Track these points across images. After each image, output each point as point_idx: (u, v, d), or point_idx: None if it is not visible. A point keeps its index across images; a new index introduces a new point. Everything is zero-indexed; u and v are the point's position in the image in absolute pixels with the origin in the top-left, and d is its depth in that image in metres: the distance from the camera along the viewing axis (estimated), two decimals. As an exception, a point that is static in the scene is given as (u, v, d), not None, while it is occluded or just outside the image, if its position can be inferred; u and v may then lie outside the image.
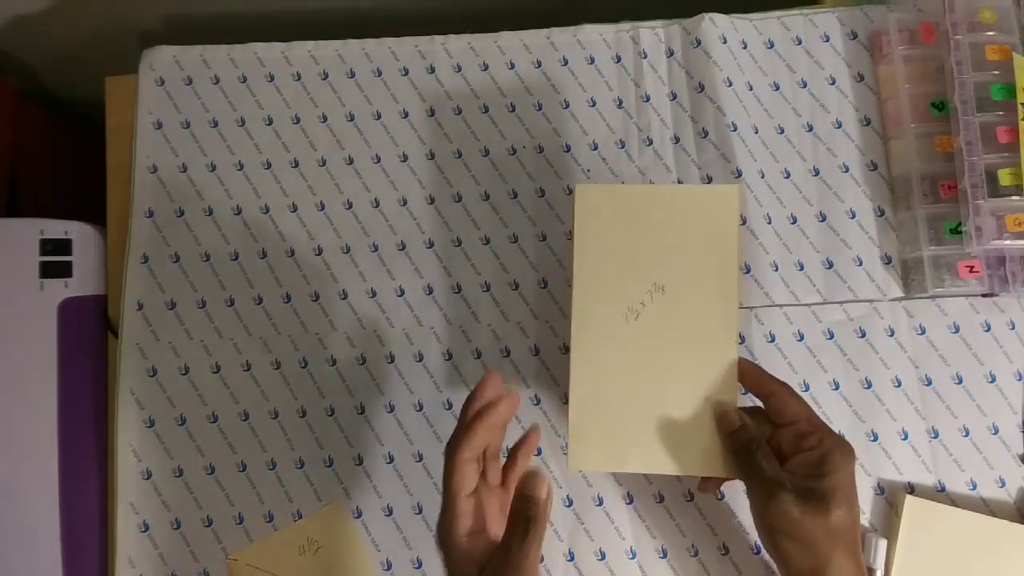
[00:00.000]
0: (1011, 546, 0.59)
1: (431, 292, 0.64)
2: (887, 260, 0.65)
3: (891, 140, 0.67)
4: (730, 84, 0.67)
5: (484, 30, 0.69)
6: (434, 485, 0.61)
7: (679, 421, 0.51)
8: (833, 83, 0.68)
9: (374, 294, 0.64)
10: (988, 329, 0.63)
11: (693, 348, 0.52)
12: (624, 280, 0.52)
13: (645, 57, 0.69)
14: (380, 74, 0.69)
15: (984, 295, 0.64)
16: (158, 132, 0.67)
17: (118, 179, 0.67)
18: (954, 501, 0.61)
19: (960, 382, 0.63)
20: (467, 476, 0.48)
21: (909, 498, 0.59)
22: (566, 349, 0.62)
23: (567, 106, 0.68)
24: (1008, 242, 0.59)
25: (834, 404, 0.62)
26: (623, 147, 0.67)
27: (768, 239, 0.64)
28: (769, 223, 0.65)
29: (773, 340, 0.63)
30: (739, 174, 0.65)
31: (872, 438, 0.62)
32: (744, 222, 0.64)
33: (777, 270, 0.64)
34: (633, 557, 0.60)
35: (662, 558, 0.60)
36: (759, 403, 0.52)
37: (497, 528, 0.49)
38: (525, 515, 0.45)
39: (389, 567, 0.60)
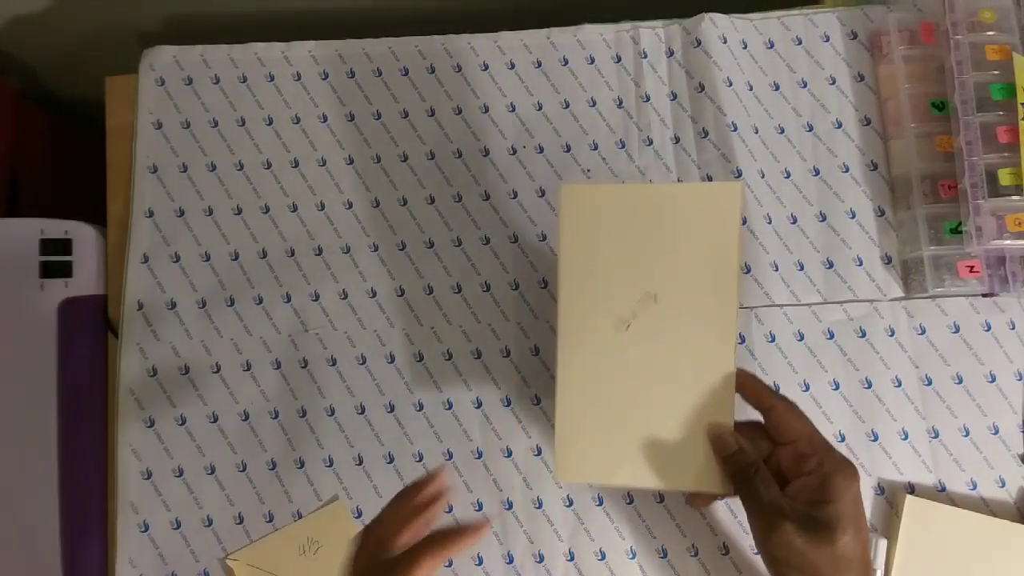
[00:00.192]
0: (1011, 546, 0.59)
1: (431, 292, 0.64)
2: (887, 260, 0.65)
3: (891, 140, 0.67)
4: (730, 84, 0.67)
5: (484, 30, 0.69)
6: (434, 485, 0.61)
7: (672, 435, 0.49)
8: (833, 83, 0.68)
9: (374, 294, 0.64)
10: (988, 329, 0.63)
11: (688, 361, 0.48)
12: (614, 288, 0.49)
13: (645, 57, 0.69)
14: (380, 74, 0.69)
15: (984, 295, 0.64)
16: (158, 132, 0.67)
17: (118, 179, 0.67)
18: (954, 501, 0.61)
19: (960, 382, 0.63)
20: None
21: (909, 498, 0.59)
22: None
23: (567, 106, 0.68)
24: (1008, 242, 0.59)
25: (834, 404, 0.62)
26: (623, 147, 0.67)
27: (768, 239, 0.64)
28: (769, 223, 0.65)
29: (773, 340, 0.63)
30: (739, 174, 0.65)
31: (872, 438, 0.62)
32: (744, 222, 0.64)
33: (777, 270, 0.64)
34: (633, 557, 0.60)
35: (662, 558, 0.60)
36: (758, 414, 0.50)
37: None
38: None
39: (389, 567, 0.60)
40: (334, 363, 0.63)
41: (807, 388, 0.62)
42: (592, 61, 0.69)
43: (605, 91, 0.68)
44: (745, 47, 0.69)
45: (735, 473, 0.47)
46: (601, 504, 0.61)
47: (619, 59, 0.69)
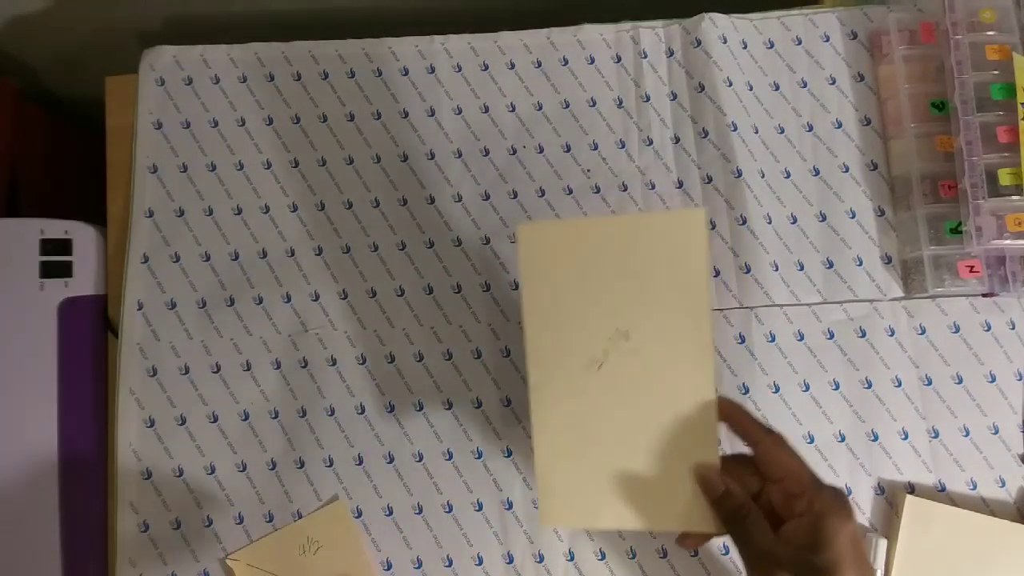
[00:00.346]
0: (1011, 546, 0.59)
1: (431, 292, 0.64)
2: (887, 260, 0.65)
3: (891, 140, 0.67)
4: (730, 84, 0.67)
5: (484, 30, 0.69)
6: (434, 485, 0.61)
7: (657, 474, 0.47)
8: (833, 83, 0.68)
9: (374, 294, 0.64)
10: (988, 329, 0.63)
11: (666, 397, 0.46)
12: (583, 327, 0.47)
13: (645, 57, 0.69)
14: (380, 74, 0.69)
15: (984, 295, 0.64)
16: (158, 132, 0.67)
17: (118, 179, 0.67)
18: (954, 501, 0.61)
19: (960, 382, 0.63)
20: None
21: (909, 498, 0.59)
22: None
23: (567, 106, 0.68)
24: (1008, 242, 0.59)
25: (834, 404, 0.62)
26: (623, 147, 0.67)
27: (768, 239, 0.64)
28: (769, 223, 0.65)
29: (773, 340, 0.63)
30: (739, 174, 0.65)
31: (872, 438, 0.62)
32: (744, 222, 0.64)
33: (777, 270, 0.64)
34: (633, 557, 0.60)
35: (662, 558, 0.60)
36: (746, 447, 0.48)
37: None
38: None
39: (389, 567, 0.60)
40: (334, 363, 0.63)
41: (807, 388, 0.63)
42: (592, 61, 0.69)
43: (605, 91, 0.68)
44: (745, 47, 0.69)
45: (725, 516, 0.45)
46: (601, 504, 0.61)
47: (619, 59, 0.69)
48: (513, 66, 0.69)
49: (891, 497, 0.61)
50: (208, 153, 0.67)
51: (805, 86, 0.68)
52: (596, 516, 0.48)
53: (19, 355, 0.62)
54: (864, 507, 0.61)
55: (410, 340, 0.64)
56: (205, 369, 0.63)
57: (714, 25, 0.68)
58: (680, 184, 0.66)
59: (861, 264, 0.65)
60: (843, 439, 0.62)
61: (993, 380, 0.63)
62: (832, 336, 0.63)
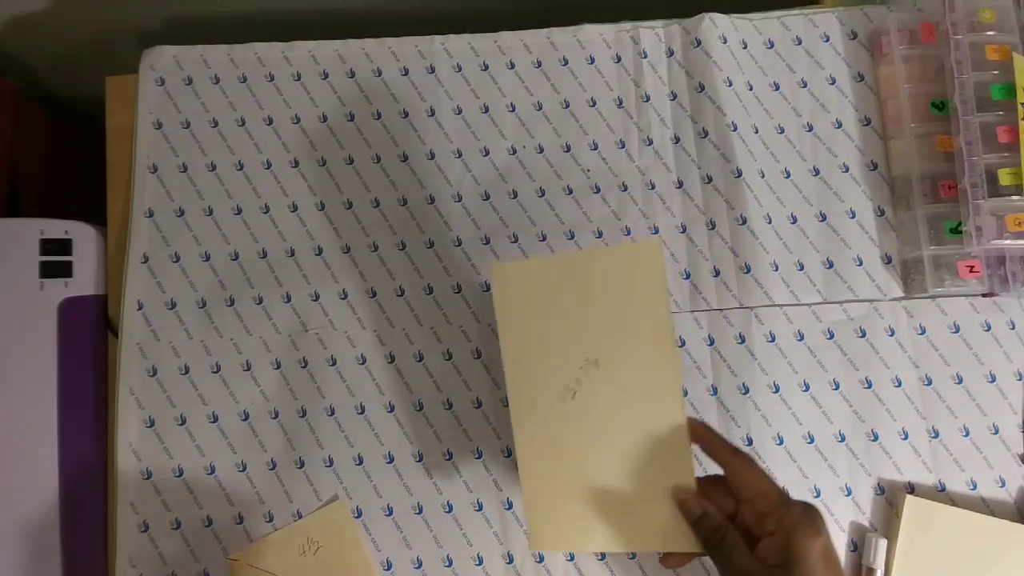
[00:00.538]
0: (1011, 546, 0.59)
1: (431, 292, 0.64)
2: (887, 260, 0.65)
3: (891, 140, 0.67)
4: (730, 84, 0.67)
5: (484, 30, 0.69)
6: (434, 485, 0.61)
7: (637, 498, 0.48)
8: (833, 83, 0.68)
9: (374, 294, 0.64)
10: (988, 329, 0.63)
11: (639, 423, 0.48)
12: (556, 358, 0.49)
13: (645, 57, 0.69)
14: (380, 74, 0.69)
15: (984, 295, 0.64)
16: (158, 132, 0.67)
17: (118, 179, 0.67)
18: (954, 501, 0.61)
19: (960, 382, 0.63)
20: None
21: (909, 498, 0.59)
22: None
23: (567, 106, 0.68)
24: (1008, 242, 0.59)
25: (834, 404, 0.62)
26: (623, 147, 0.67)
27: (768, 239, 0.64)
28: (769, 223, 0.65)
29: (773, 340, 0.63)
30: (739, 174, 0.65)
31: (872, 438, 0.62)
32: (744, 222, 0.64)
33: (777, 270, 0.64)
34: (633, 557, 0.60)
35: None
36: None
37: None
38: None
39: (389, 567, 0.60)
40: (334, 363, 0.63)
41: (807, 388, 0.63)
42: (592, 61, 0.69)
43: (605, 91, 0.68)
44: (745, 47, 0.69)
45: (704, 538, 0.46)
46: (601, 504, 0.61)
47: (619, 59, 0.69)
48: (513, 66, 0.69)
49: (891, 497, 0.61)
50: (208, 153, 0.67)
51: (805, 86, 0.68)
52: (583, 541, 0.50)
53: (19, 355, 0.62)
54: (864, 507, 0.61)
55: (410, 340, 0.64)
56: (205, 369, 0.63)
57: (714, 25, 0.68)
58: (680, 184, 0.66)
59: (861, 264, 0.65)
60: (843, 439, 0.62)
61: (993, 380, 0.63)
62: (832, 336, 0.63)
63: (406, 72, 0.69)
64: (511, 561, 0.60)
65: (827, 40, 0.69)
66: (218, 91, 0.68)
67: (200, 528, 0.60)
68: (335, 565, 0.59)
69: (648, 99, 0.68)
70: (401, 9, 0.80)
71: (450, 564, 0.60)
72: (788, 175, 0.66)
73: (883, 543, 0.58)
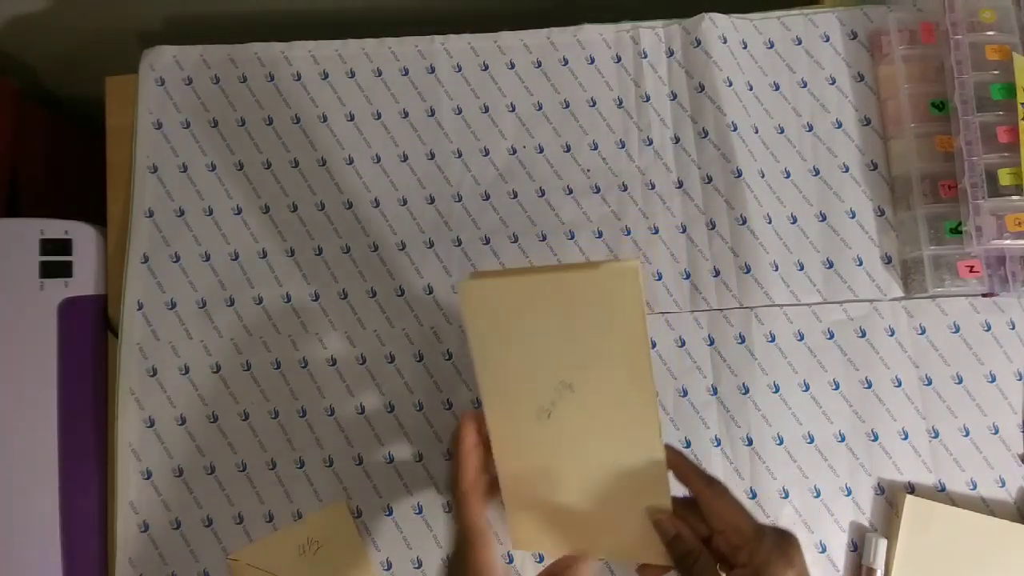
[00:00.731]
0: (1011, 546, 0.59)
1: (431, 292, 0.64)
2: (887, 260, 0.65)
3: (891, 140, 0.67)
4: (730, 84, 0.67)
5: (484, 30, 0.69)
6: (434, 485, 0.61)
7: (614, 512, 0.49)
8: (833, 83, 0.68)
9: (374, 294, 0.64)
10: (988, 329, 0.63)
11: (615, 445, 0.48)
12: (529, 379, 0.48)
13: (645, 57, 0.69)
14: (380, 74, 0.69)
15: (984, 295, 0.64)
16: (158, 132, 0.67)
17: (118, 179, 0.67)
18: (954, 501, 0.61)
19: (960, 382, 0.63)
20: (476, 506, 0.47)
21: (909, 498, 0.59)
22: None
23: (567, 106, 0.68)
24: (1008, 242, 0.59)
25: (834, 404, 0.62)
26: (623, 147, 0.67)
27: (768, 239, 0.64)
28: (769, 223, 0.65)
29: (773, 340, 0.63)
30: (739, 174, 0.65)
31: (872, 438, 0.62)
32: (744, 222, 0.64)
33: (777, 270, 0.64)
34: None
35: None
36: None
37: None
38: None
39: (389, 567, 0.60)
40: (334, 363, 0.63)
41: (807, 388, 0.63)
42: (592, 61, 0.69)
43: (605, 91, 0.68)
44: (745, 47, 0.69)
45: (676, 559, 0.46)
46: (601, 504, 0.61)
47: (619, 59, 0.69)
48: (513, 66, 0.69)
49: (891, 497, 0.61)
50: (208, 153, 0.67)
51: (805, 86, 0.68)
52: (561, 547, 0.51)
53: (19, 355, 0.62)
54: (864, 507, 0.61)
55: (410, 340, 0.64)
56: (205, 369, 0.63)
57: (714, 25, 0.68)
58: (680, 184, 0.66)
59: (861, 264, 0.65)
60: (843, 439, 0.62)
61: (993, 380, 0.63)
62: (832, 336, 0.63)
63: (406, 72, 0.69)
64: (511, 561, 0.60)
65: (827, 40, 0.69)
66: (218, 91, 0.68)
67: (200, 528, 0.60)
68: (335, 565, 0.59)
69: (648, 99, 0.68)
70: (401, 9, 0.80)
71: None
72: (788, 175, 0.66)
73: (883, 543, 0.58)
